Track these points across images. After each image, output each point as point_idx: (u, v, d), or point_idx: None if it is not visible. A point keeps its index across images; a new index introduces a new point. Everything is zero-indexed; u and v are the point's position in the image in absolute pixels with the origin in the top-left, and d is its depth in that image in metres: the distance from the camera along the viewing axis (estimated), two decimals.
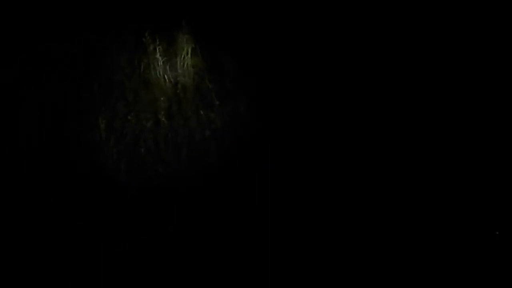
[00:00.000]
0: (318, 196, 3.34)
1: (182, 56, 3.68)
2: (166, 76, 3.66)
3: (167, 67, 3.67)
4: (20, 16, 3.78)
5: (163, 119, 3.47)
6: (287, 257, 3.11)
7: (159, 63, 3.69)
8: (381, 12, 3.89)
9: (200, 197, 3.27)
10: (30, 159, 3.35)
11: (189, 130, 3.47)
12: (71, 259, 3.03)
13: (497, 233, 3.29)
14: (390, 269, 3.07)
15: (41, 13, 3.78)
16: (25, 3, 3.79)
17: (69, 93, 3.56)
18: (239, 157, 3.41)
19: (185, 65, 3.69)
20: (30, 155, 3.37)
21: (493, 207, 3.34)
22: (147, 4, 3.86)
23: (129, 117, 3.45)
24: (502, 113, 3.61)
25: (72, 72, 3.64)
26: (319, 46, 3.81)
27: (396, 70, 3.75)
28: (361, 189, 3.36)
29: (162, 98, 3.56)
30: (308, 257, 3.12)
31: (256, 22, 3.84)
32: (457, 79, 3.70)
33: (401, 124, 3.60)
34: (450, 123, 3.60)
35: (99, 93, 3.54)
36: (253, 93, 3.63)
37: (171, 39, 3.73)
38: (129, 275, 3.00)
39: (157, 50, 3.67)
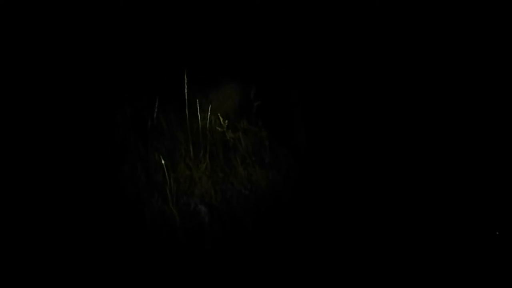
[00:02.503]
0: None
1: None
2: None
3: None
4: None
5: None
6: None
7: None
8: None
9: None
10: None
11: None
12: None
13: (497, 233, 3.42)
14: (391, 269, 3.08)
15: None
16: None
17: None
18: None
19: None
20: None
21: (493, 207, 3.34)
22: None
23: None
24: (502, 113, 3.62)
25: None
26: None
27: (395, 70, 3.76)
28: (362, 190, 3.38)
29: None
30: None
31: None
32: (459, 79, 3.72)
33: (402, 125, 3.63)
34: (450, 123, 3.63)
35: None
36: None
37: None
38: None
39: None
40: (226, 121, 3.44)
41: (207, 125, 3.48)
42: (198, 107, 3.48)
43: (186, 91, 3.48)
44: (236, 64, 3.70)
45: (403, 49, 3.80)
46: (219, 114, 3.44)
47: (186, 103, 3.47)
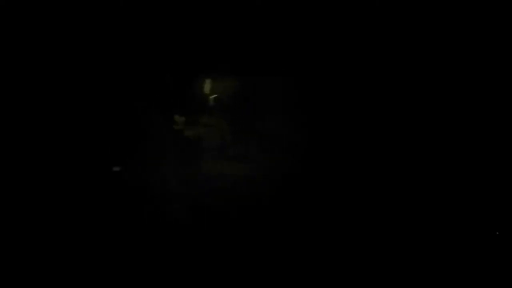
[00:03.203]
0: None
1: None
2: None
3: None
4: None
5: None
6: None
7: None
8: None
9: None
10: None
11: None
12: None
13: (497, 233, 3.38)
14: (391, 269, 3.11)
15: None
16: None
17: None
18: None
19: None
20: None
21: (493, 207, 3.37)
22: None
23: None
24: (502, 113, 3.59)
25: None
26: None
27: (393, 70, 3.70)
28: (362, 190, 3.38)
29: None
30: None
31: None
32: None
33: (401, 125, 3.59)
34: (450, 123, 3.60)
35: None
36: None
37: None
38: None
39: None
40: (183, 118, 3.41)
41: (173, 124, 3.46)
42: (162, 107, 3.46)
43: (150, 91, 3.47)
44: (194, 58, 3.64)
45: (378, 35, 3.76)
46: (178, 112, 3.40)
47: (151, 103, 3.46)
